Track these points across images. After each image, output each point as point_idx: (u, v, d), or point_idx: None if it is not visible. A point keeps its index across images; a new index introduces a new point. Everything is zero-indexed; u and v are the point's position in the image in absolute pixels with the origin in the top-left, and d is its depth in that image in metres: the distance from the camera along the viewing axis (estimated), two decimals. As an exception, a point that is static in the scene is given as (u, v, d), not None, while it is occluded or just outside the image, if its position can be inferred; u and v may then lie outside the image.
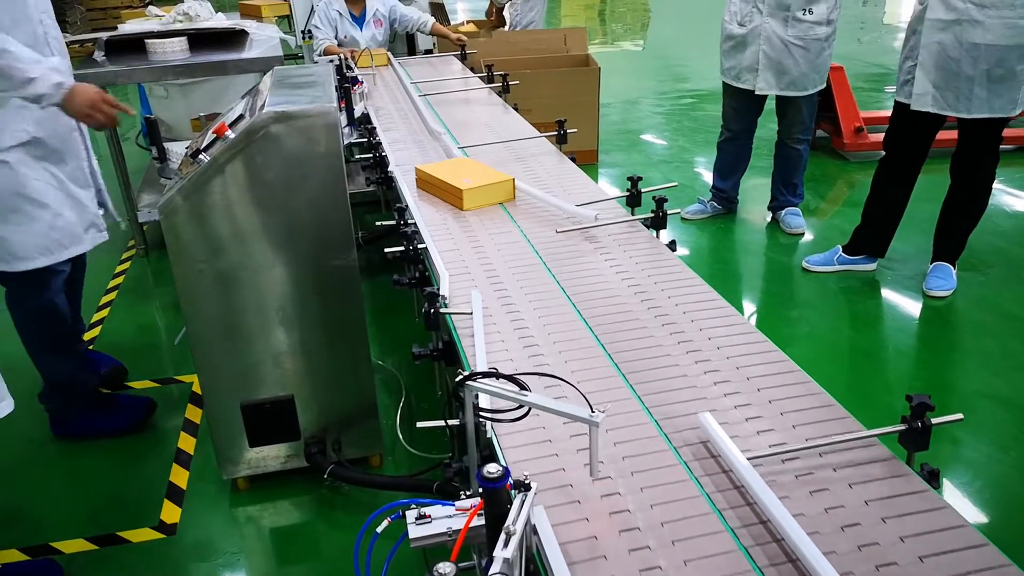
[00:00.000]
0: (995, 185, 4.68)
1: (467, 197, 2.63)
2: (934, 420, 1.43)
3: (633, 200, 2.59)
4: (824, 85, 4.24)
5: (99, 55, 4.20)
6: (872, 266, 3.94)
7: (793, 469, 1.42)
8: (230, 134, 2.20)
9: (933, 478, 1.40)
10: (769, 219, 4.58)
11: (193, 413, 3.05)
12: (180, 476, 2.71)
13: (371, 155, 3.38)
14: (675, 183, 2.86)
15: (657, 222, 2.45)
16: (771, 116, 4.44)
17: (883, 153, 3.80)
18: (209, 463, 2.69)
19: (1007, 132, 5.84)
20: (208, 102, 4.63)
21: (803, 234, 4.36)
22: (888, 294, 3.78)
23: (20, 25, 2.43)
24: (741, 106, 4.37)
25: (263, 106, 2.20)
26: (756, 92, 4.17)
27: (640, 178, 2.59)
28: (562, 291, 2.11)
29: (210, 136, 2.29)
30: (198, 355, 2.36)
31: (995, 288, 3.80)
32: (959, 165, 3.64)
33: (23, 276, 2.59)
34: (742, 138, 4.49)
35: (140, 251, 4.49)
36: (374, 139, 3.45)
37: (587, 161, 5.49)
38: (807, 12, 3.96)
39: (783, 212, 4.47)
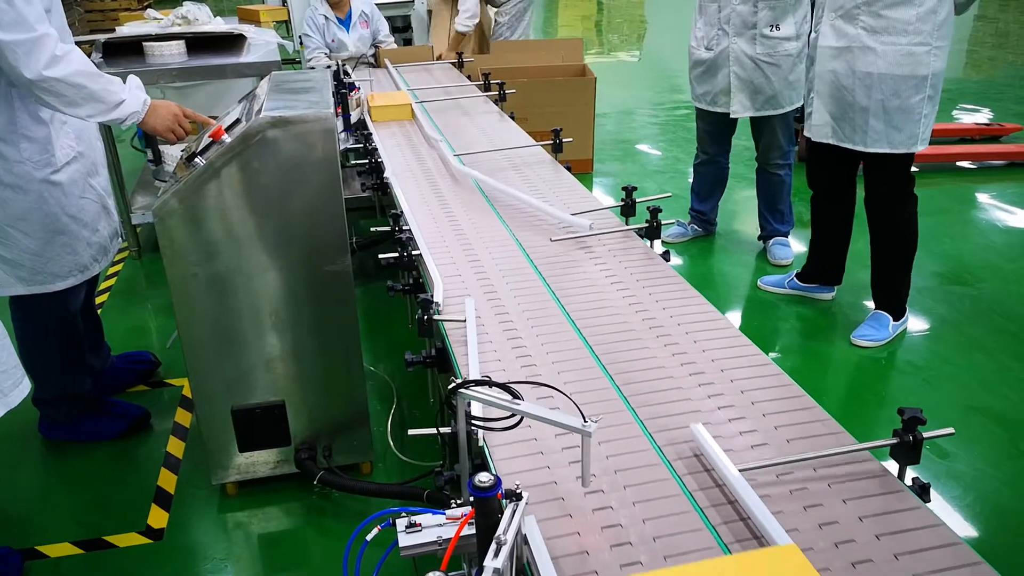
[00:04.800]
0: (987, 199, 4.67)
1: (375, 112, 3.78)
2: (925, 434, 1.43)
3: (628, 210, 2.59)
4: (802, 102, 4.03)
5: (96, 57, 4.19)
6: (829, 295, 3.81)
7: (786, 483, 1.42)
8: (226, 138, 2.20)
9: (924, 492, 1.40)
10: (761, 248, 4.48)
11: (183, 417, 3.03)
12: (168, 481, 2.69)
13: (367, 161, 3.37)
14: (669, 194, 2.87)
15: (651, 232, 2.45)
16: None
17: None
18: (198, 468, 2.67)
19: (996, 148, 5.94)
20: (205, 106, 4.62)
21: (789, 265, 4.20)
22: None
23: (55, 11, 2.40)
24: (715, 129, 4.30)
25: (260, 111, 2.20)
26: (731, 115, 4.07)
27: (635, 188, 2.59)
28: (556, 300, 2.11)
29: (206, 140, 2.28)
30: (190, 359, 2.35)
31: (987, 303, 3.81)
32: (873, 208, 3.41)
33: (52, 296, 2.55)
34: (718, 160, 4.43)
35: (133, 253, 4.48)
36: (370, 145, 3.45)
37: (582, 170, 5.50)
38: (774, 28, 3.85)
39: (771, 243, 4.35)
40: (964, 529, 2.44)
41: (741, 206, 5.02)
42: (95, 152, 2.66)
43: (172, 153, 3.07)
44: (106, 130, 3.86)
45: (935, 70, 3.09)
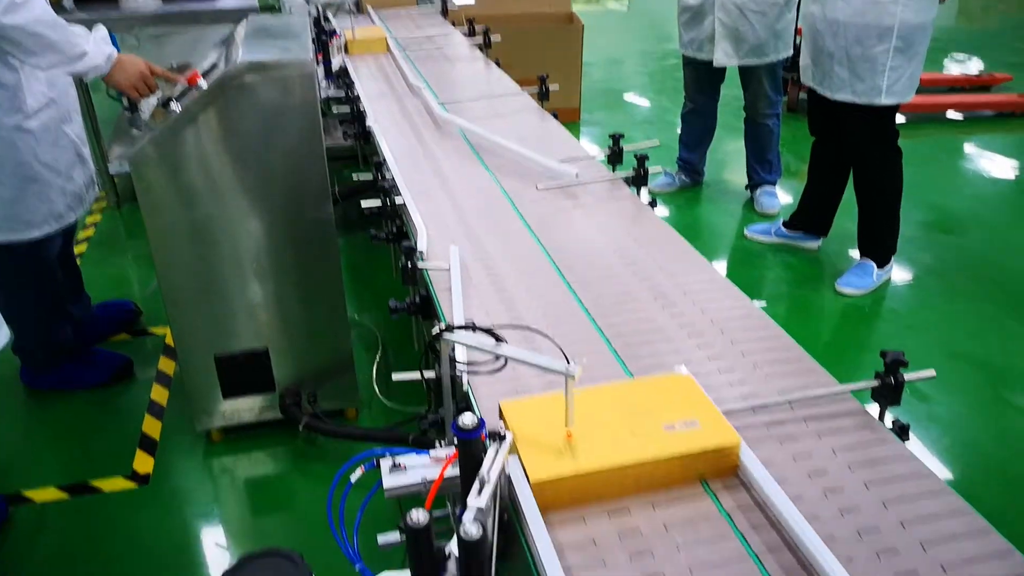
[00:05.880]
0: (975, 149, 4.67)
1: (352, 46, 3.89)
2: (907, 376, 1.44)
3: (615, 158, 2.57)
4: (790, 52, 4.05)
5: (68, 3, 4.07)
6: (815, 244, 3.82)
7: (766, 423, 1.43)
8: (202, 83, 2.15)
9: (903, 432, 1.41)
10: (748, 198, 4.47)
11: (166, 365, 3.02)
12: (153, 427, 2.70)
13: (349, 109, 3.32)
14: (657, 142, 2.84)
15: (638, 180, 2.43)
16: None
17: None
18: (183, 415, 2.68)
19: (985, 98, 5.91)
20: (182, 52, 4.51)
21: (776, 214, 4.20)
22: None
23: None
24: (702, 77, 4.26)
25: (237, 56, 2.15)
26: (714, 64, 4.02)
27: (622, 135, 2.56)
28: (541, 247, 2.09)
29: (182, 86, 2.24)
30: (171, 307, 2.33)
31: (972, 252, 3.83)
32: (852, 158, 3.42)
33: (28, 244, 2.52)
34: (706, 109, 4.39)
35: (111, 203, 4.42)
36: (352, 93, 3.39)
37: (569, 120, 5.43)
38: None
39: (758, 192, 4.34)
40: (940, 471, 2.49)
41: (729, 156, 5.00)
42: (68, 99, 2.60)
43: (149, 101, 3.00)
44: (79, 79, 3.77)
45: (904, 21, 3.03)
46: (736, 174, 4.70)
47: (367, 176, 2.59)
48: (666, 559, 1.15)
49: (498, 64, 3.79)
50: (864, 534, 1.20)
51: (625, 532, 1.20)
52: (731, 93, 4.59)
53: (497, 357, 1.35)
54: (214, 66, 2.28)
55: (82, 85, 4.01)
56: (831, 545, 1.13)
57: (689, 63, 4.26)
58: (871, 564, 1.14)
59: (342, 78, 3.65)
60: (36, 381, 2.89)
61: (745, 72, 4.12)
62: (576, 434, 1.27)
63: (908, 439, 1.40)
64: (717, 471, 1.30)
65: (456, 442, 1.17)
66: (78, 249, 3.94)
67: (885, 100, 3.13)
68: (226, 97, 2.12)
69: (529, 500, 1.21)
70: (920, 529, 1.19)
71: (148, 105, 2.63)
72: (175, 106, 2.14)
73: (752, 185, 4.40)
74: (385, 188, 2.35)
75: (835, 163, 3.57)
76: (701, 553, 1.16)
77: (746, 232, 3.99)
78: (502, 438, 1.21)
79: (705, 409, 1.34)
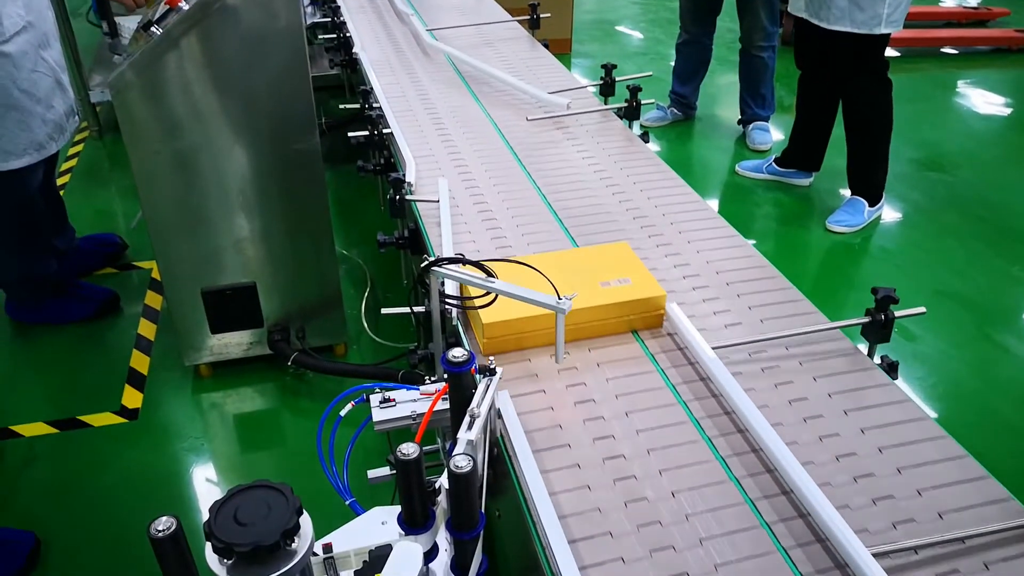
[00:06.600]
0: (969, 86, 4.62)
1: None
2: (897, 313, 1.43)
3: (607, 89, 2.52)
4: None
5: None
6: (806, 181, 3.80)
7: (758, 360, 1.43)
8: (184, 5, 2.07)
9: (892, 370, 1.42)
10: (740, 133, 4.41)
11: (153, 300, 2.99)
12: (141, 362, 2.68)
13: (335, 36, 3.23)
14: (650, 72, 2.78)
15: (630, 112, 2.39)
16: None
17: None
18: (171, 350, 2.66)
19: (981, 32, 5.82)
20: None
21: (768, 151, 4.15)
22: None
23: None
24: (697, 7, 4.17)
25: (219, -25, 2.07)
26: None
27: (614, 66, 2.51)
28: (531, 180, 2.06)
29: (163, 8, 2.16)
30: (156, 241, 2.30)
31: (962, 190, 3.82)
32: (844, 92, 3.36)
33: (8, 175, 2.44)
34: (701, 40, 4.29)
35: (93, 133, 4.32)
36: (338, 19, 3.30)
37: (560, 51, 5.33)
38: None
39: (750, 127, 4.28)
40: (926, 409, 2.51)
41: (722, 90, 4.92)
42: (46, 23, 2.50)
43: (129, 26, 2.90)
44: (59, 2, 3.64)
45: None
46: (728, 109, 4.64)
47: (354, 106, 2.53)
48: (595, 388, 1.36)
49: (488, -9, 3.69)
50: (825, 439, 1.26)
51: (564, 368, 1.39)
52: (725, 26, 4.50)
53: (487, 292, 1.34)
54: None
55: (61, 11, 3.87)
56: (795, 453, 1.14)
57: None
58: (832, 465, 1.15)
59: (327, 3, 3.54)
60: (21, 315, 2.86)
61: (742, 1, 4.03)
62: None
63: (896, 377, 1.40)
64: (646, 322, 1.50)
65: (446, 376, 1.16)
66: (61, 180, 3.86)
67: (884, 29, 3.08)
68: (208, 19, 2.05)
69: (520, 435, 1.21)
70: (896, 453, 1.21)
71: (128, 30, 2.55)
72: (156, 29, 2.06)
73: (745, 120, 4.34)
74: (372, 118, 2.30)
75: (824, 96, 3.52)
76: (626, 383, 1.35)
77: (737, 168, 3.95)
78: (492, 372, 1.21)
79: (638, 270, 1.53)
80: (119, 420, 2.46)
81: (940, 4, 6.70)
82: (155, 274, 3.10)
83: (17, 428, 2.42)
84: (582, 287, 1.44)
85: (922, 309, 1.49)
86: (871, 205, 3.47)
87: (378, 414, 1.25)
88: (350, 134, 2.28)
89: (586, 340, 1.47)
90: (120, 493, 2.21)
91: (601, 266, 1.54)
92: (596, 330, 1.46)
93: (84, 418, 2.46)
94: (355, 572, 1.05)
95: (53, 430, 2.42)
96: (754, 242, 1.81)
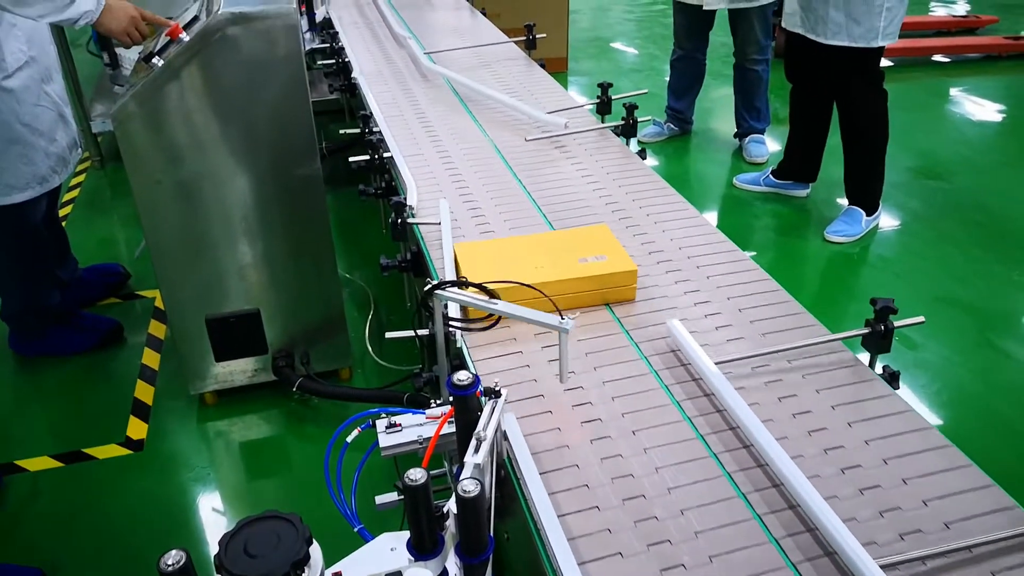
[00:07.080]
0: (961, 93, 4.64)
1: None
2: (896, 323, 1.44)
3: (603, 107, 2.54)
4: None
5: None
6: (804, 192, 3.81)
7: (761, 375, 1.43)
8: (184, 36, 2.10)
9: (893, 380, 1.42)
10: (737, 146, 4.44)
11: (157, 329, 3.00)
12: (146, 392, 2.69)
13: (334, 61, 3.26)
14: (645, 90, 2.81)
15: (627, 129, 2.41)
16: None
17: None
18: (175, 379, 2.67)
19: (972, 40, 5.86)
20: (162, 6, 4.40)
21: (765, 163, 4.17)
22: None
23: None
24: (692, 23, 4.20)
25: (219, 7, 2.09)
26: (704, 7, 3.96)
27: (610, 85, 2.53)
28: (531, 200, 2.07)
29: (163, 39, 2.18)
30: (159, 269, 2.31)
31: (959, 197, 3.83)
32: (840, 103, 3.38)
33: (11, 208, 2.46)
34: (695, 55, 4.33)
35: (95, 163, 4.34)
36: (336, 44, 3.33)
37: (556, 69, 5.36)
38: None
39: (747, 140, 4.31)
40: (930, 416, 2.52)
41: (717, 104, 4.95)
42: (48, 57, 2.53)
43: (130, 57, 2.93)
44: (59, 34, 3.68)
45: None
46: (724, 123, 4.66)
47: (354, 131, 2.55)
48: (601, 408, 1.39)
49: (484, 13, 3.73)
50: (829, 452, 1.26)
51: (569, 388, 1.43)
52: (719, 40, 4.53)
53: (491, 314, 1.35)
54: (196, 18, 2.22)
55: (62, 43, 3.91)
56: (801, 467, 1.14)
57: (679, 7, 4.20)
58: (838, 478, 1.16)
59: (326, 29, 3.57)
60: (25, 348, 2.86)
61: (735, 16, 4.07)
62: (509, 265, 1.61)
63: (898, 387, 1.41)
64: (619, 296, 1.64)
65: (452, 399, 1.17)
66: (63, 211, 3.88)
67: (881, 42, 3.10)
68: (209, 50, 2.07)
69: (526, 457, 1.22)
70: (901, 464, 1.21)
71: (129, 61, 2.57)
72: (157, 60, 2.09)
73: (741, 133, 4.37)
74: (372, 143, 2.32)
75: (816, 108, 3.54)
76: (631, 402, 1.39)
77: (735, 181, 3.97)
78: (498, 394, 1.21)
79: (614, 249, 1.69)
80: (124, 452, 2.46)
81: (930, 13, 6.75)
82: (158, 303, 3.12)
83: (21, 463, 2.42)
84: (562, 262, 1.64)
85: (921, 319, 1.50)
86: (868, 214, 3.49)
87: (384, 439, 1.26)
88: (351, 159, 2.30)
89: (592, 359, 1.48)
90: (127, 526, 2.20)
91: (581, 246, 1.70)
92: (573, 302, 1.62)
93: (89, 450, 2.46)
94: (366, 598, 1.05)
95: (58, 464, 2.42)
96: (754, 254, 1.82)
